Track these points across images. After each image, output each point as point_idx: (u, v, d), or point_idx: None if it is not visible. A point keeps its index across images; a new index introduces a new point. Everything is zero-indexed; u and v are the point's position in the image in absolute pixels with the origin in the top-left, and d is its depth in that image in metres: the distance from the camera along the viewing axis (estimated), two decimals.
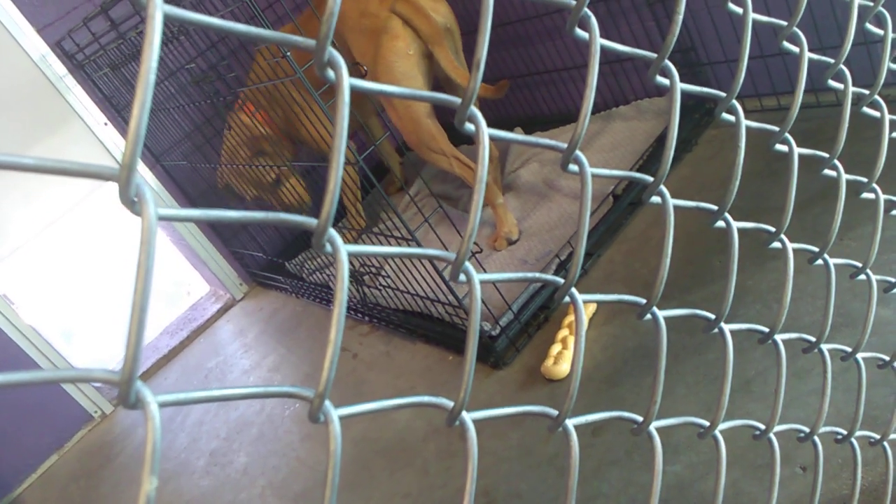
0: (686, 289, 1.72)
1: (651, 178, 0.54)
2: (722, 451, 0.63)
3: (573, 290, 0.48)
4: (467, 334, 0.43)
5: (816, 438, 0.75)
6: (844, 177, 0.69)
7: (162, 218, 0.30)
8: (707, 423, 0.62)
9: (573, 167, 0.49)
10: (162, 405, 0.30)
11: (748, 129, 0.59)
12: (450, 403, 0.43)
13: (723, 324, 0.60)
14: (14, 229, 2.89)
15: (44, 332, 2.83)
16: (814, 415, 0.75)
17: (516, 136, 0.46)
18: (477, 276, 0.42)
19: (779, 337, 0.66)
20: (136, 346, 0.28)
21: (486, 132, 0.42)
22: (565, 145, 0.48)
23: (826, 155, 0.67)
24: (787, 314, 0.64)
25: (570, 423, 0.49)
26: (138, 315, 0.28)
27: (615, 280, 1.94)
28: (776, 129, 0.62)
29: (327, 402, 0.35)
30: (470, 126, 0.41)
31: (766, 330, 0.65)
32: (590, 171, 0.48)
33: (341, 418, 0.36)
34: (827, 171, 0.69)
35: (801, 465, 1.19)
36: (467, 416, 0.43)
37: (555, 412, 0.49)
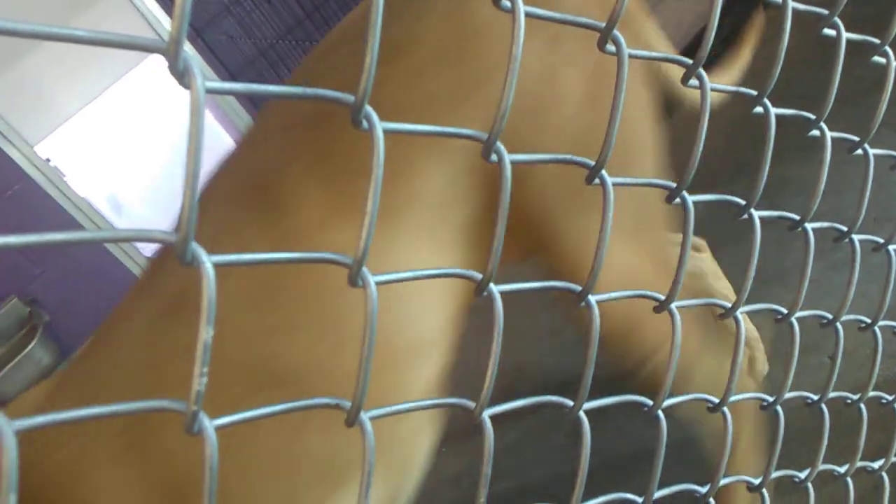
0: (730, 179, 1.70)
1: (690, 61, 0.53)
2: (742, 332, 0.65)
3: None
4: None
5: (839, 325, 0.76)
6: (894, 64, 0.67)
7: (209, 91, 0.32)
8: (728, 305, 0.64)
9: (610, 48, 0.48)
10: (216, 265, 0.33)
11: (796, 11, 0.57)
12: (478, 276, 0.45)
13: (753, 209, 0.61)
14: (61, 101, 2.94)
15: (95, 204, 2.92)
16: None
17: None
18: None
19: (809, 225, 0.66)
20: (191, 209, 0.30)
21: None
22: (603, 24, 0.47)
23: (877, 41, 0.65)
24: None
25: (594, 298, 0.52)
26: (191, 180, 0.30)
27: None
28: (825, 12, 0.60)
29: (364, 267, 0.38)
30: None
31: (797, 217, 0.65)
32: (627, 51, 0.48)
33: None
34: (877, 59, 0.66)
35: (829, 356, 1.21)
36: (495, 288, 0.46)
37: (578, 287, 0.51)
